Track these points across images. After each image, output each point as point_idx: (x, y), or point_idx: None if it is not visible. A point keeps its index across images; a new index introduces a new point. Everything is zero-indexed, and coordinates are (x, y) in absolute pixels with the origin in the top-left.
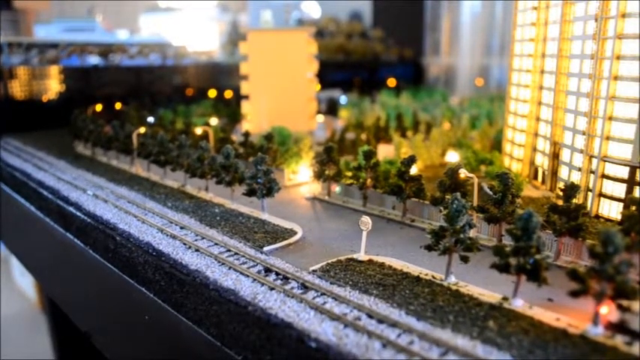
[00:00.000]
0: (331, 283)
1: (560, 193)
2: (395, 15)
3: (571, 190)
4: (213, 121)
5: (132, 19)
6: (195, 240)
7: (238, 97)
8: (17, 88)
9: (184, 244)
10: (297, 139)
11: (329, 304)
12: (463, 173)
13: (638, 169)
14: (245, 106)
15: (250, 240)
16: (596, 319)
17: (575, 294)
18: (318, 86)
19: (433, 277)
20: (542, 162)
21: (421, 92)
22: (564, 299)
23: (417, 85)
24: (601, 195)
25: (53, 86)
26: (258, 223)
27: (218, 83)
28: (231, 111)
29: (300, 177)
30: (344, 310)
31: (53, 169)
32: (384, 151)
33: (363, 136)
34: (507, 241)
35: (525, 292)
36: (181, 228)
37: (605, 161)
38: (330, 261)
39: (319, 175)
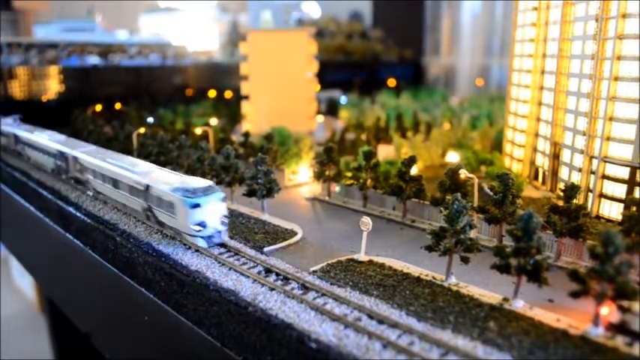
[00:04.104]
0: (332, 284)
1: (561, 194)
2: (395, 15)
3: (571, 190)
4: (213, 121)
5: (132, 19)
6: None
7: (238, 98)
8: (17, 89)
9: (184, 244)
10: (297, 139)
11: (329, 304)
12: (463, 174)
13: (638, 170)
14: (245, 107)
15: (250, 241)
16: (596, 320)
17: (575, 295)
18: (318, 86)
19: (434, 277)
20: (543, 162)
21: (421, 92)
22: (565, 300)
23: (417, 86)
24: (601, 195)
25: (53, 86)
26: (259, 224)
27: (218, 83)
28: (231, 111)
29: (300, 177)
30: (344, 311)
31: None
32: (384, 152)
33: (363, 137)
34: (508, 242)
35: (526, 293)
36: None
37: (605, 162)
38: (330, 262)
39: (319, 176)
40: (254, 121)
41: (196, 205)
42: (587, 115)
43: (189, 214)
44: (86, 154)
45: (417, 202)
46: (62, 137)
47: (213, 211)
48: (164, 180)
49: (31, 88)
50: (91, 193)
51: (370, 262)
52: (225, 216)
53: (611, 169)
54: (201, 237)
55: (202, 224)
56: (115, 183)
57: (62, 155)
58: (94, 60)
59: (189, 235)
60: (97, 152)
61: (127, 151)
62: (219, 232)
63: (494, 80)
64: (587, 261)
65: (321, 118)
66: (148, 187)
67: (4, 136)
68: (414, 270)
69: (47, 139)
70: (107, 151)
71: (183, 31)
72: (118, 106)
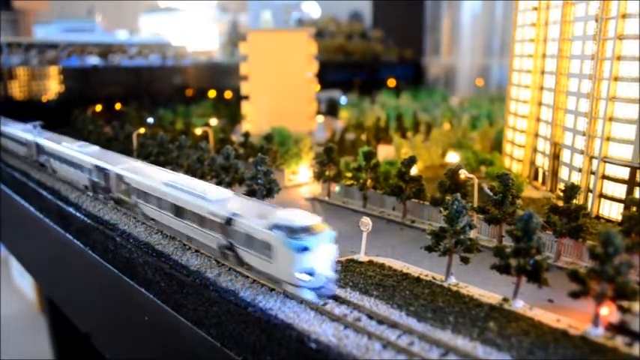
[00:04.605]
0: None
1: (561, 194)
2: (395, 15)
3: (571, 190)
4: (213, 121)
5: (132, 19)
6: None
7: (238, 98)
8: (17, 89)
9: (183, 244)
10: (297, 139)
11: (329, 305)
12: (463, 174)
13: (638, 170)
14: (245, 107)
15: None
16: (596, 320)
17: (575, 295)
18: (318, 87)
19: (433, 278)
20: (543, 163)
21: (421, 92)
22: (565, 300)
23: (417, 86)
24: (601, 196)
25: (53, 87)
26: None
27: (218, 83)
28: (231, 111)
29: (300, 178)
30: (344, 311)
31: None
32: (384, 152)
33: (363, 137)
34: (508, 242)
35: (526, 293)
36: None
37: (605, 162)
38: None
39: (319, 176)
40: (254, 121)
41: (304, 249)
42: (587, 115)
43: (295, 259)
44: (135, 172)
45: (417, 202)
46: (96, 149)
47: (324, 255)
48: (254, 212)
49: (31, 88)
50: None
51: (370, 262)
52: (337, 261)
53: (611, 170)
54: (309, 288)
55: (311, 272)
56: (178, 211)
57: (101, 171)
58: (94, 60)
59: (292, 284)
60: (146, 170)
61: (127, 151)
62: (329, 280)
63: (494, 80)
64: (587, 261)
65: (321, 118)
66: (230, 220)
67: (22, 144)
68: (414, 270)
69: (79, 150)
70: (158, 168)
71: (183, 31)
72: (118, 106)
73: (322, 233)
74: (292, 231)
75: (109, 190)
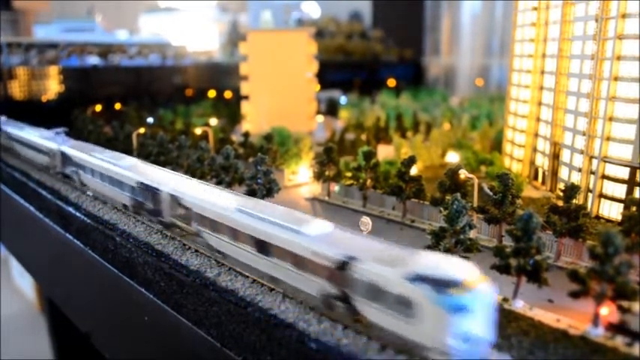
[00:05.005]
0: None
1: (561, 194)
2: (395, 15)
3: (571, 190)
4: (213, 121)
5: (132, 19)
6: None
7: (238, 98)
8: (16, 89)
9: (184, 244)
10: (297, 139)
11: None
12: (463, 174)
13: (638, 170)
14: (245, 107)
15: None
16: (596, 320)
17: (575, 295)
18: (318, 86)
19: None
20: (543, 162)
21: (421, 92)
22: (565, 300)
23: (416, 86)
24: (601, 196)
25: (52, 86)
26: None
27: (218, 83)
28: (231, 111)
29: (300, 177)
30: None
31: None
32: (384, 152)
33: (363, 137)
34: (508, 242)
35: (526, 293)
36: None
37: (605, 162)
38: None
39: (319, 176)
40: (254, 121)
41: (461, 309)
42: (587, 115)
43: (449, 321)
44: (195, 193)
45: (417, 202)
46: (135, 161)
47: (483, 314)
48: (378, 256)
49: (31, 88)
50: (90, 193)
51: None
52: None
53: (611, 169)
54: (463, 358)
55: (468, 338)
56: (262, 247)
57: (149, 191)
58: (94, 60)
59: (441, 352)
60: (210, 191)
61: (127, 151)
62: (487, 345)
63: (494, 80)
64: (587, 261)
65: (321, 118)
66: (345, 264)
67: (42, 153)
68: None
69: (116, 163)
70: (220, 189)
71: (183, 31)
72: (117, 106)
73: (481, 286)
74: (444, 284)
75: (158, 213)
